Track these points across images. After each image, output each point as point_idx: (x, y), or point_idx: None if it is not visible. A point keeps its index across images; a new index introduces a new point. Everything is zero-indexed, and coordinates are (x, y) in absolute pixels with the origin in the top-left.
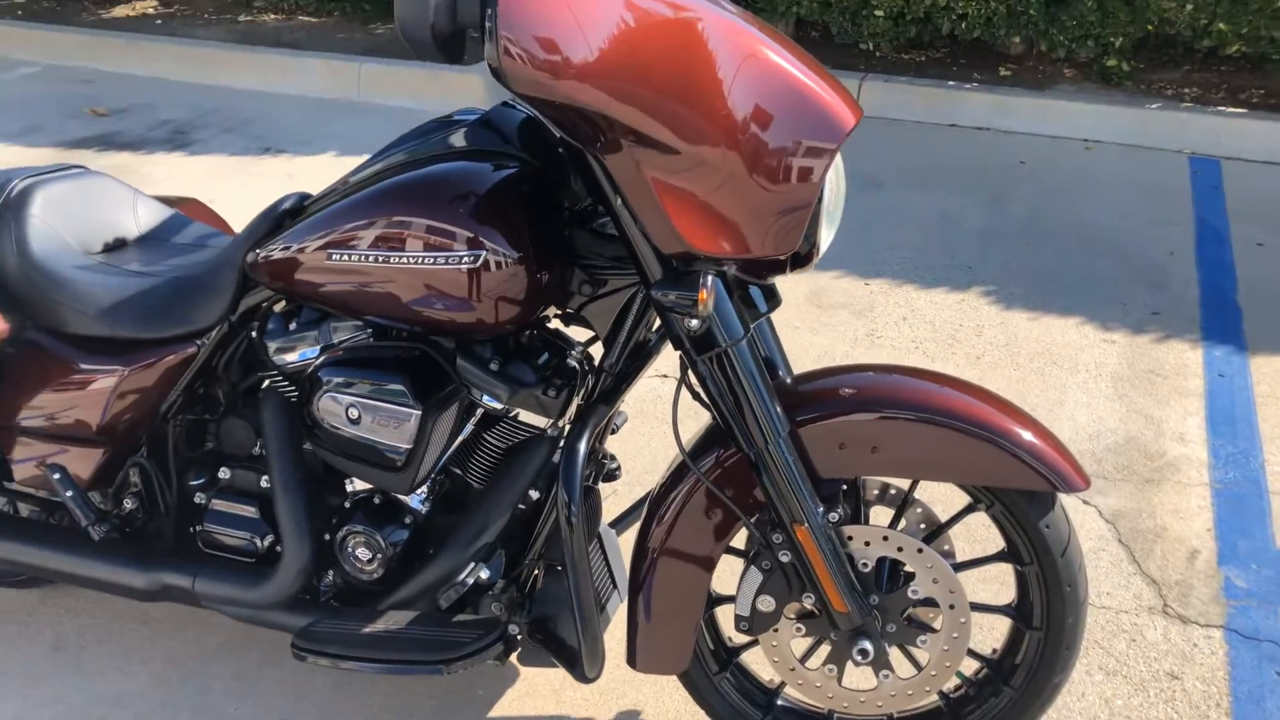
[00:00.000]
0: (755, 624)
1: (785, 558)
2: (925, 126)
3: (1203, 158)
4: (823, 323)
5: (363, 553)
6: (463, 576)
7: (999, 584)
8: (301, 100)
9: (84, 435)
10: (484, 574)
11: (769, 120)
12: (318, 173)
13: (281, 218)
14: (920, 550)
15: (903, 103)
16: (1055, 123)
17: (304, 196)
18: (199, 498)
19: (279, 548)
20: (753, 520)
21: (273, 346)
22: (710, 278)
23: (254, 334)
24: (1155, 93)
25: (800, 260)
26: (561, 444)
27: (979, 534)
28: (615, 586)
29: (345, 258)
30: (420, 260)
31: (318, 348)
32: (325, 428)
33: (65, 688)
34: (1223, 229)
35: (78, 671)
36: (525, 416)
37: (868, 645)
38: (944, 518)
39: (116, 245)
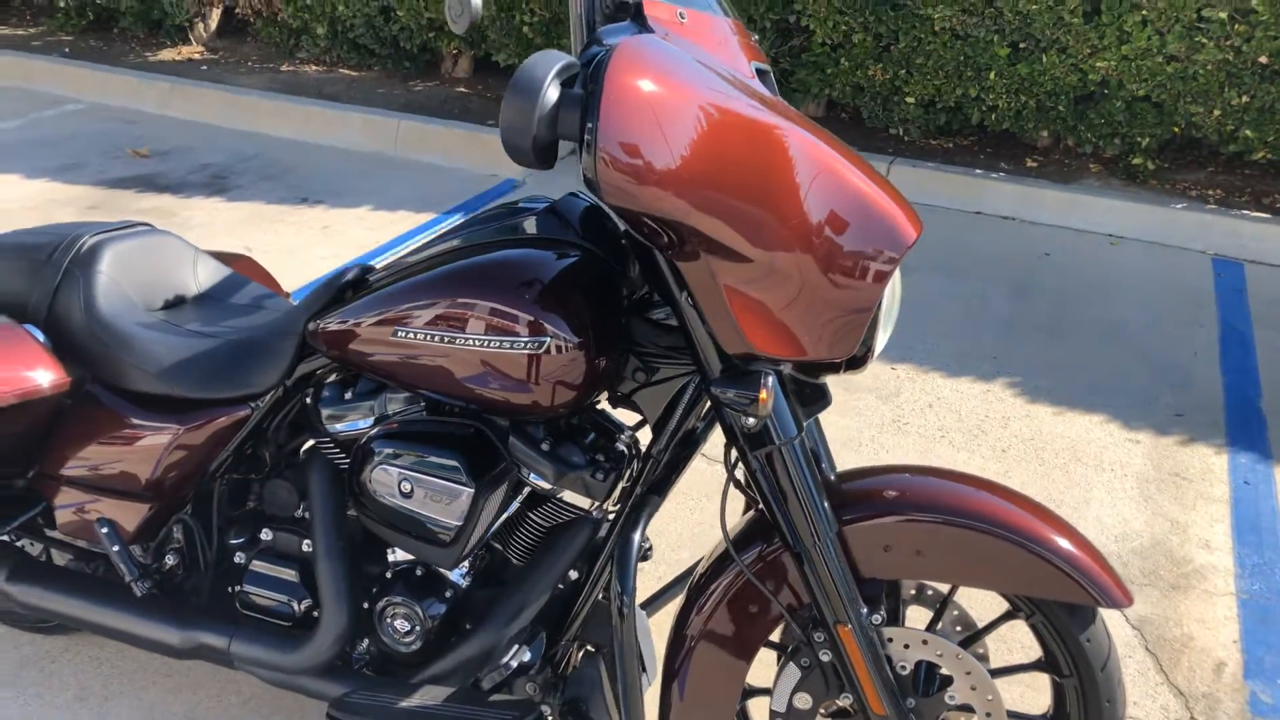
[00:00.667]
0: None
1: (825, 656)
2: (952, 213)
3: (1226, 260)
4: (850, 406)
5: (401, 624)
6: (503, 657)
7: (1024, 686)
8: (340, 152)
9: (132, 490)
10: (524, 655)
11: (840, 231)
12: (353, 224)
13: (344, 289)
14: (959, 656)
15: (930, 188)
16: (1080, 216)
17: (366, 269)
18: (239, 557)
19: (316, 613)
20: (794, 617)
21: (327, 413)
22: (770, 378)
23: (308, 400)
24: (1179, 193)
25: (856, 361)
26: (605, 528)
27: (1006, 634)
28: (644, 670)
29: (409, 335)
30: (484, 343)
31: (372, 418)
32: (375, 498)
33: None
34: (1247, 333)
35: None
36: (568, 496)
37: None
38: (980, 621)
39: (176, 303)
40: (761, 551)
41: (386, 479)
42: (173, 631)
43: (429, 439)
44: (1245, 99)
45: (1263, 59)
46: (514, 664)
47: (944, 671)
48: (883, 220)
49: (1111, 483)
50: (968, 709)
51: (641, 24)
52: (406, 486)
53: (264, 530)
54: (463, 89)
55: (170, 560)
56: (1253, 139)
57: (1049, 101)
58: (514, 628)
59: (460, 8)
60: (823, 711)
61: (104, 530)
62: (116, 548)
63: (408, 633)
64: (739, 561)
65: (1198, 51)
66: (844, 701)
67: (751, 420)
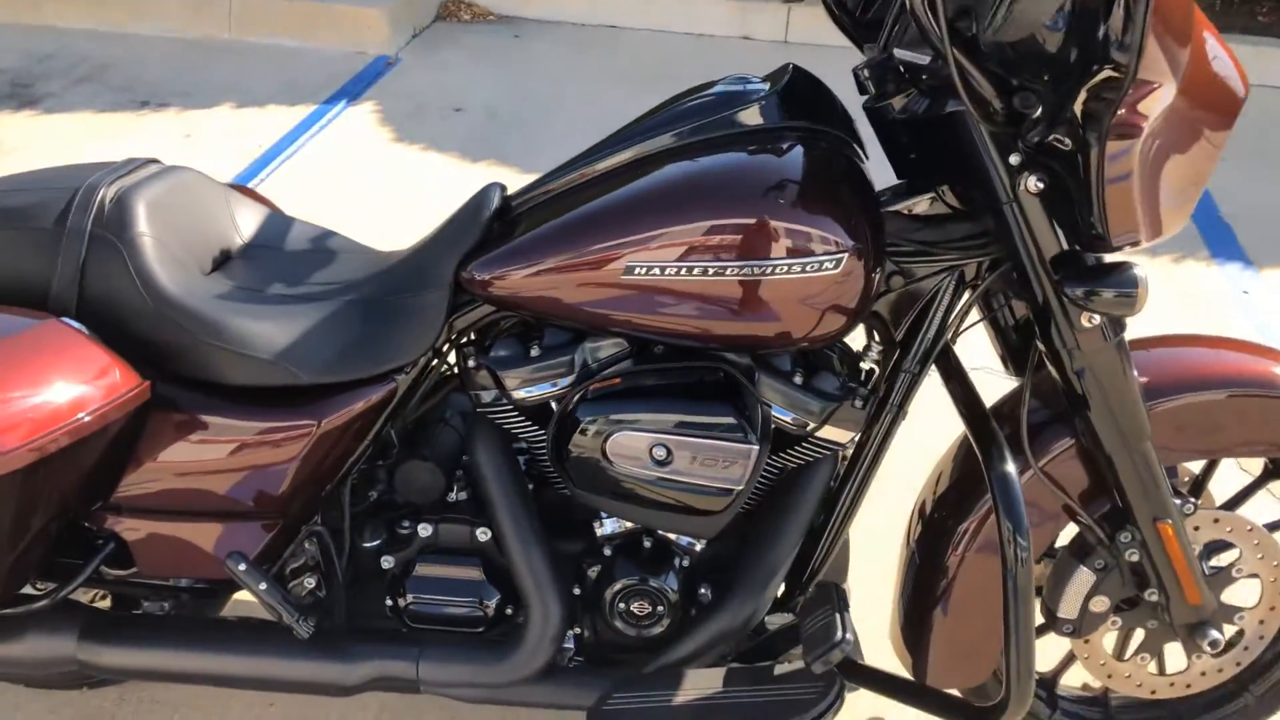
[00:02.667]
0: (1085, 625)
1: (1133, 556)
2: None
3: None
4: None
5: (641, 606)
6: (765, 620)
7: None
8: (161, 41)
9: (250, 509)
10: (785, 615)
11: (1220, 101)
12: (221, 128)
13: (490, 222)
14: (1251, 529)
15: None
16: None
17: (502, 189)
18: (386, 562)
19: (509, 610)
20: (1093, 518)
21: (506, 375)
22: (1142, 270)
23: (469, 362)
24: None
25: None
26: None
27: None
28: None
29: (648, 271)
30: (758, 269)
31: (570, 375)
32: (607, 469)
33: None
34: None
35: None
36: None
37: (1216, 635)
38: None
39: (223, 260)
40: (1050, 453)
41: (631, 445)
42: (340, 666)
43: (681, 392)
44: None
45: None
46: (772, 625)
47: (1219, 540)
48: (1233, 79)
49: (1150, 313)
50: (1254, 577)
51: None
52: (661, 452)
53: (416, 524)
54: None
55: (309, 582)
56: None
57: None
58: (772, 588)
59: None
60: None
61: (239, 566)
62: (263, 585)
63: (648, 614)
64: (1036, 468)
65: None
66: (1150, 598)
67: (1096, 319)
